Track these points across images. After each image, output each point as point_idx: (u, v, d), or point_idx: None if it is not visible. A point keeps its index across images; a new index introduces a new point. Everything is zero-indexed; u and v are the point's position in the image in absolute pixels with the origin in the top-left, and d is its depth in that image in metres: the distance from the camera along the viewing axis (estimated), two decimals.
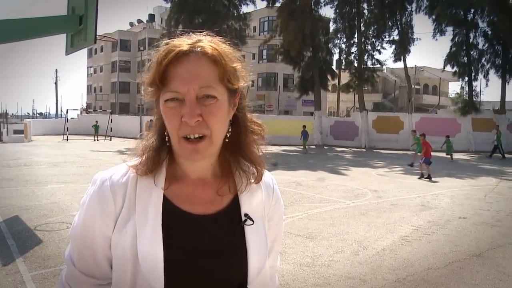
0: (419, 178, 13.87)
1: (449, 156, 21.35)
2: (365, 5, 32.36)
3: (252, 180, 1.15)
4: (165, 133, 1.07)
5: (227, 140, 1.08)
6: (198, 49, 1.01)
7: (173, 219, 1.06)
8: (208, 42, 1.04)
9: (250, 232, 1.11)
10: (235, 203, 1.13)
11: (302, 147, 26.19)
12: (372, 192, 11.14)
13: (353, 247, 6.16)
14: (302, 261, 5.49)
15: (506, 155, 23.56)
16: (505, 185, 12.94)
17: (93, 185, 1.09)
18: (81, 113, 46.52)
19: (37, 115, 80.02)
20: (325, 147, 29.73)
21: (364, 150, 28.63)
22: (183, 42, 1.02)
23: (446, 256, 5.82)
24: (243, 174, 1.14)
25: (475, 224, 7.72)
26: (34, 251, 5.59)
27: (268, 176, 1.24)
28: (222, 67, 1.02)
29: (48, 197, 9.22)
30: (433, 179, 13.59)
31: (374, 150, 28.05)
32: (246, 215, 1.12)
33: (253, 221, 1.12)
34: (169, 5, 34.49)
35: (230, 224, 1.10)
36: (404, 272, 5.18)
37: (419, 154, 16.18)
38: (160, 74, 1.00)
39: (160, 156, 1.09)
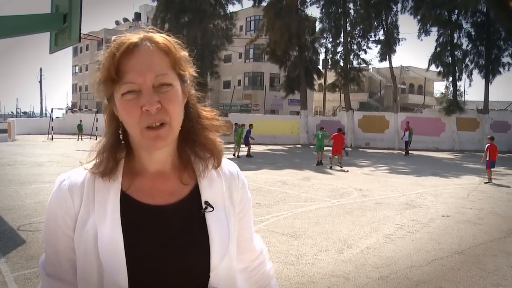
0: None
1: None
2: (351, 5, 32.60)
3: (210, 166, 1.17)
4: (119, 132, 1.10)
5: (180, 128, 1.10)
6: (147, 40, 1.04)
7: (133, 212, 1.07)
8: (156, 34, 1.07)
9: (212, 219, 1.11)
10: (195, 192, 1.14)
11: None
12: (357, 191, 11.22)
13: (337, 246, 6.21)
14: (286, 259, 5.52)
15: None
16: (488, 184, 13.12)
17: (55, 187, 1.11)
18: (66, 112, 46.04)
19: (21, 114, 79.25)
20: (311, 146, 29.80)
21: (350, 149, 28.75)
22: (131, 36, 1.05)
23: (429, 254, 5.89)
24: (201, 161, 1.16)
25: (458, 222, 7.82)
26: (17, 251, 5.54)
27: (230, 164, 1.27)
28: (173, 55, 1.05)
29: (32, 197, 9.13)
30: (417, 177, 13.71)
31: (360, 149, 28.22)
32: (206, 202, 1.13)
33: (213, 207, 1.12)
34: (155, 3, 34.34)
35: (191, 212, 1.11)
36: (387, 270, 5.23)
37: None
38: (115, 67, 1.01)
39: (117, 156, 1.10)
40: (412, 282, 4.86)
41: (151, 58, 1.02)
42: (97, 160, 1.10)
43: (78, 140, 32.00)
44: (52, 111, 38.23)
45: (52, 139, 31.49)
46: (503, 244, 6.52)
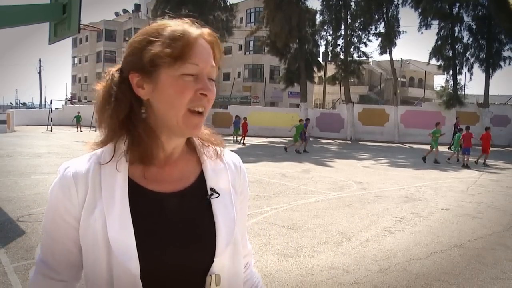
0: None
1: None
2: None
3: (214, 155, 1.21)
4: (130, 116, 1.08)
5: None
6: (202, 33, 1.08)
7: (141, 200, 1.07)
8: (205, 28, 1.11)
9: (217, 205, 1.13)
10: (201, 179, 1.16)
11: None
12: (356, 183, 11.23)
13: (336, 238, 6.22)
14: (286, 251, 5.52)
15: (492, 149, 23.73)
16: (487, 178, 13.15)
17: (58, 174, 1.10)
18: (65, 103, 45.92)
19: (20, 105, 79.12)
20: (310, 139, 29.80)
21: (350, 142, 28.79)
22: (189, 27, 1.08)
23: (428, 247, 5.90)
24: (206, 149, 1.20)
25: (457, 216, 7.83)
26: (16, 242, 5.55)
27: (234, 155, 1.30)
28: (219, 53, 1.12)
29: (31, 188, 9.13)
30: (418, 170, 13.73)
31: (360, 142, 28.22)
32: (211, 189, 1.15)
33: (218, 193, 1.15)
34: None
35: (197, 199, 1.13)
36: (386, 262, 5.24)
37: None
38: (184, 46, 1.02)
39: (122, 143, 1.09)
40: (411, 274, 4.88)
41: (209, 50, 1.08)
42: (101, 148, 1.11)
43: (77, 131, 31.94)
44: (51, 102, 37.86)
45: (51, 130, 31.45)
46: (502, 238, 6.53)
